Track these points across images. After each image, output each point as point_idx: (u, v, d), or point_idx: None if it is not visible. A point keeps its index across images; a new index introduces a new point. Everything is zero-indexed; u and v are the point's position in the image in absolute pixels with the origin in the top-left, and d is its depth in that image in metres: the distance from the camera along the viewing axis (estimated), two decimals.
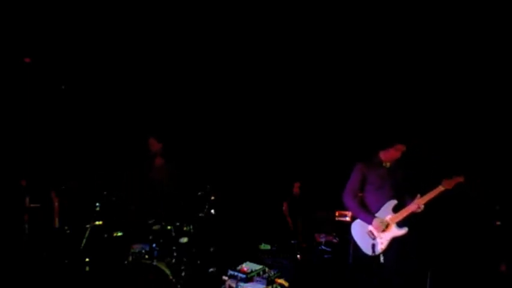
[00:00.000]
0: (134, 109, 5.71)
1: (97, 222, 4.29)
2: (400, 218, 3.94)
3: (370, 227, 3.98)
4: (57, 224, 4.76)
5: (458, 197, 3.92)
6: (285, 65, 5.76)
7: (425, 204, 3.88)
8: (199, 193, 4.68)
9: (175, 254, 4.21)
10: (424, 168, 4.45)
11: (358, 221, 4.10)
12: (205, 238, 4.67)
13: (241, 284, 3.60)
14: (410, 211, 3.91)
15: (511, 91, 4.85)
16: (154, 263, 3.95)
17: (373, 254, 3.92)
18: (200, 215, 4.58)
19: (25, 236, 4.58)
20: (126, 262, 4.07)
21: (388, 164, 4.07)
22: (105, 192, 4.38)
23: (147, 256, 4.06)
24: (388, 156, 4.05)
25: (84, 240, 4.19)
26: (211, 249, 4.73)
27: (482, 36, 4.76)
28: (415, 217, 3.96)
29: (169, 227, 4.31)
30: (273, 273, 3.73)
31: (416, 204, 3.88)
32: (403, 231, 3.92)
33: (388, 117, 5.38)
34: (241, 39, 5.47)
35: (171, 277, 3.89)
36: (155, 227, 4.25)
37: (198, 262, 4.42)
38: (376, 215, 4.00)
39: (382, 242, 3.93)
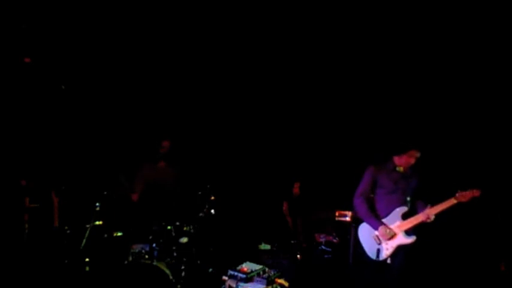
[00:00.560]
0: (134, 109, 5.71)
1: (97, 222, 4.29)
2: (408, 226, 3.85)
3: (376, 233, 3.92)
4: (57, 224, 4.76)
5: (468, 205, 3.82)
6: (285, 66, 5.77)
7: (436, 215, 3.77)
8: (199, 193, 4.69)
9: (175, 254, 4.21)
10: (439, 177, 4.37)
11: (365, 224, 4.04)
12: (205, 238, 4.67)
13: (241, 284, 3.60)
14: (419, 220, 3.82)
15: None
16: (154, 263, 3.95)
17: (377, 259, 3.88)
18: (200, 215, 4.58)
19: (25, 236, 4.58)
20: (126, 262, 4.07)
21: (401, 169, 3.98)
22: (105, 192, 4.37)
23: (147, 256, 4.06)
24: (402, 161, 3.96)
25: (84, 240, 4.19)
26: (211, 249, 4.73)
27: (498, 41, 4.71)
28: (424, 225, 3.88)
29: (169, 227, 4.31)
30: (273, 273, 3.72)
31: (427, 215, 3.77)
32: (410, 240, 3.83)
33: (404, 122, 5.30)
34: (240, 39, 5.48)
35: (171, 277, 3.89)
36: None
37: (198, 262, 4.42)
38: (385, 220, 3.93)
39: (388, 248, 3.87)
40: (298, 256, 5.24)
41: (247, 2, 4.98)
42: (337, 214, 5.35)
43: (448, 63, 5.06)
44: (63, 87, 5.03)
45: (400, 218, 3.89)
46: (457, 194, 3.73)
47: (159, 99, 5.82)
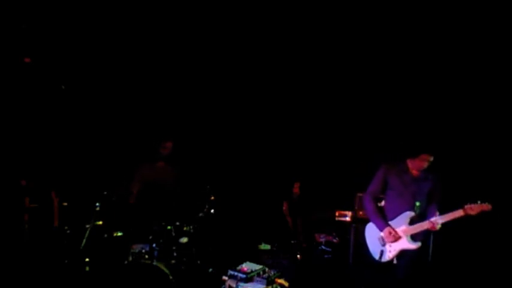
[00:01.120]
0: (134, 110, 5.70)
1: (97, 222, 4.28)
2: (413, 232, 3.81)
3: (382, 234, 3.91)
4: (57, 224, 4.76)
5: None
6: (285, 66, 5.76)
7: (443, 224, 3.72)
8: (199, 193, 4.68)
9: (175, 254, 4.21)
10: (451, 185, 4.32)
11: (372, 224, 4.03)
12: (205, 238, 4.67)
13: (241, 284, 3.60)
14: (425, 228, 3.77)
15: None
16: (154, 263, 3.95)
17: (380, 261, 3.88)
18: (200, 215, 4.58)
19: (25, 236, 4.58)
20: (126, 262, 4.07)
21: (414, 172, 3.92)
22: (105, 192, 4.37)
23: (147, 256, 4.06)
24: (415, 165, 3.89)
25: (84, 240, 4.18)
26: (211, 249, 4.73)
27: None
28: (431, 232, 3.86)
29: (169, 227, 4.31)
30: (273, 273, 3.72)
31: (432, 223, 3.72)
32: (415, 246, 3.80)
33: (417, 127, 5.24)
34: (240, 40, 5.48)
35: (171, 277, 3.88)
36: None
37: (198, 262, 4.42)
38: (391, 223, 3.90)
39: (391, 251, 3.85)
40: (298, 256, 5.24)
41: (247, 2, 4.98)
42: (337, 214, 5.35)
43: (467, 70, 4.99)
44: (63, 87, 5.03)
45: (406, 222, 3.85)
46: (465, 206, 3.65)
47: (159, 99, 5.82)
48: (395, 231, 3.83)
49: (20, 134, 4.90)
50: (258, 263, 3.83)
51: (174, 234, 4.30)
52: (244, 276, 3.62)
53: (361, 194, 4.14)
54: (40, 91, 5.02)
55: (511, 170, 4.81)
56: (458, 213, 3.66)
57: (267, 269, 3.76)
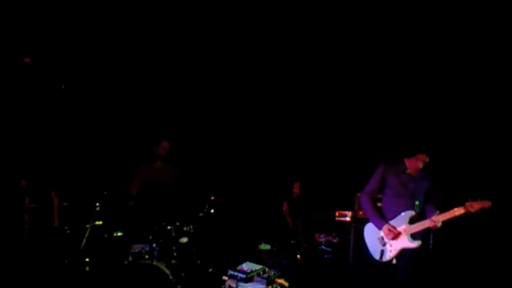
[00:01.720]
0: (134, 110, 5.70)
1: (97, 222, 4.28)
2: (414, 231, 3.80)
3: (381, 233, 3.90)
4: (57, 224, 4.76)
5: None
6: (285, 67, 5.77)
7: (444, 222, 3.71)
8: (199, 193, 4.68)
9: (175, 254, 4.21)
10: (450, 184, 4.32)
11: (371, 224, 4.02)
12: (205, 238, 4.67)
13: (241, 284, 3.60)
14: (426, 226, 3.76)
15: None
16: (154, 263, 3.95)
17: (381, 260, 3.87)
18: (200, 215, 4.58)
19: (25, 236, 4.58)
20: (126, 262, 4.07)
21: (412, 172, 3.93)
22: (105, 192, 4.37)
23: (147, 256, 4.06)
24: (412, 164, 3.90)
25: (84, 240, 4.18)
26: (211, 249, 4.73)
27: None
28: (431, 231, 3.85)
29: (169, 227, 4.31)
30: (273, 273, 3.72)
31: (434, 222, 3.71)
32: (415, 244, 3.79)
33: (412, 126, 5.26)
34: (240, 40, 5.48)
35: (171, 277, 3.88)
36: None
37: (198, 262, 4.42)
38: (391, 222, 3.89)
39: (391, 250, 3.85)
40: (298, 256, 5.24)
41: (247, 2, 4.98)
42: (337, 214, 5.35)
43: (466, 69, 5.00)
44: (63, 87, 5.03)
45: (406, 221, 3.85)
46: (466, 204, 3.64)
47: (159, 99, 5.82)
48: (395, 228, 3.83)
49: (20, 134, 4.89)
50: (258, 263, 3.83)
51: (174, 234, 4.29)
52: (244, 276, 3.62)
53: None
54: (40, 91, 5.02)
55: (509, 167, 4.82)
56: (459, 210, 3.66)
57: (267, 269, 3.76)
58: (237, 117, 6.10)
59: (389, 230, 3.82)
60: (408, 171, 3.93)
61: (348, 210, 5.17)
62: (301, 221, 5.78)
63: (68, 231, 4.54)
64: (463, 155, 5.01)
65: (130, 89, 5.66)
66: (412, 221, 3.84)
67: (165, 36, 5.40)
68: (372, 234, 4.00)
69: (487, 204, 3.61)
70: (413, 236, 3.82)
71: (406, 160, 3.95)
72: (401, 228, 3.84)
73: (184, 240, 4.29)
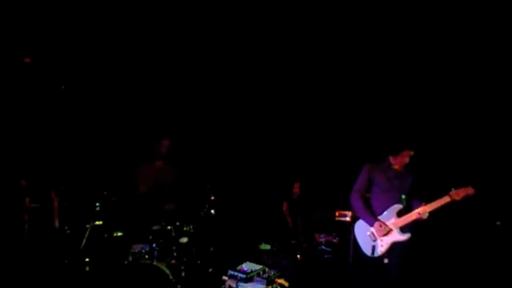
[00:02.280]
0: (134, 110, 5.70)
1: (97, 222, 4.28)
2: (403, 223, 3.90)
3: (372, 229, 3.97)
4: (57, 224, 4.76)
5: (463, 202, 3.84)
6: (285, 66, 5.77)
7: (431, 213, 3.82)
8: (199, 193, 4.68)
9: (175, 254, 4.21)
10: (434, 175, 4.41)
11: (361, 221, 4.10)
12: (205, 238, 4.67)
13: (241, 284, 3.60)
14: (414, 218, 3.87)
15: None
16: (155, 263, 3.95)
17: (372, 256, 3.92)
18: (200, 214, 4.58)
19: (25, 236, 4.57)
20: (126, 262, 4.07)
21: (397, 168, 4.05)
22: (105, 192, 4.37)
23: (147, 256, 4.06)
24: (397, 161, 4.03)
25: (84, 240, 4.18)
26: (211, 249, 4.73)
27: (496, 42, 4.73)
28: (420, 223, 3.91)
29: (169, 227, 4.31)
30: (273, 273, 3.72)
31: (421, 213, 3.83)
32: (405, 237, 3.88)
33: (395, 123, 5.36)
34: (240, 39, 5.48)
35: (171, 277, 3.88)
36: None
37: (198, 262, 4.42)
38: (380, 217, 3.98)
39: (382, 245, 3.91)
40: (298, 256, 5.23)
41: (247, 2, 4.98)
42: (337, 214, 5.35)
43: (435, 63, 5.14)
44: (63, 87, 5.03)
45: (395, 215, 3.95)
46: (451, 192, 3.79)
47: (159, 99, 5.82)
48: (385, 224, 3.92)
49: (20, 134, 4.89)
50: (258, 263, 3.84)
51: (174, 234, 4.29)
52: (244, 276, 3.62)
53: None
54: (40, 91, 5.02)
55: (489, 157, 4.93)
56: (445, 199, 3.80)
57: (267, 269, 3.76)
58: (237, 117, 6.10)
59: (380, 226, 3.91)
60: (394, 167, 4.06)
61: (348, 210, 5.17)
62: (301, 221, 5.78)
63: (68, 231, 4.54)
64: (444, 147, 5.12)
65: (130, 89, 5.66)
66: (400, 214, 3.95)
67: (165, 37, 5.39)
68: (362, 231, 4.07)
69: (470, 191, 3.77)
70: (403, 229, 3.91)
71: (391, 157, 4.07)
72: (390, 222, 3.94)
73: (184, 240, 4.30)
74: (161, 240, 4.16)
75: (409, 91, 5.40)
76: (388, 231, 3.90)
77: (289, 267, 4.80)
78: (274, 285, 3.65)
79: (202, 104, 5.99)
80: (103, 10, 4.92)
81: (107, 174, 5.06)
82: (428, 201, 3.87)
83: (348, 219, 5.19)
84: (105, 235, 4.35)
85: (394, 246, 3.90)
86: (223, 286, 3.70)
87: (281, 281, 3.69)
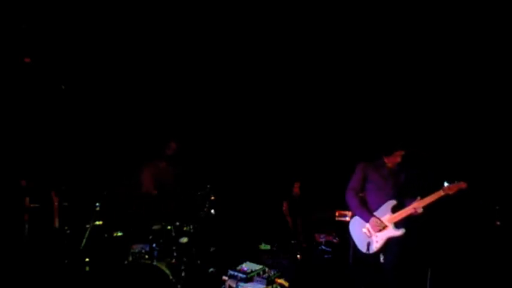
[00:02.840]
0: (134, 110, 5.70)
1: (97, 222, 4.28)
2: (397, 219, 3.96)
3: (367, 225, 4.02)
4: (57, 224, 4.76)
5: (457, 198, 3.89)
6: (285, 66, 5.77)
7: (425, 207, 3.88)
8: (199, 193, 4.69)
9: (175, 254, 4.21)
10: (427, 171, 4.45)
11: (356, 218, 4.15)
12: (205, 238, 4.67)
13: (241, 284, 3.60)
14: (408, 213, 3.93)
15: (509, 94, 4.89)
16: (155, 263, 3.95)
17: (368, 252, 3.98)
18: (200, 214, 4.58)
19: (25, 236, 4.57)
20: (126, 262, 4.07)
21: (390, 165, 4.12)
22: (105, 192, 4.37)
23: (147, 256, 4.06)
24: (390, 160, 4.10)
25: (84, 240, 4.18)
26: (211, 249, 4.73)
27: (483, 41, 4.78)
28: (414, 219, 3.96)
29: (169, 227, 4.30)
30: (273, 273, 3.73)
31: (415, 207, 3.89)
32: (399, 232, 3.93)
33: (387, 124, 5.41)
34: (239, 40, 5.48)
35: (171, 277, 3.88)
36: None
37: (198, 262, 4.42)
38: (375, 213, 4.03)
39: (378, 241, 3.96)
40: (298, 256, 5.24)
41: (248, 3, 4.98)
42: (337, 214, 5.36)
43: (426, 64, 5.19)
44: (63, 87, 5.02)
45: (390, 211, 4.00)
46: (444, 187, 3.85)
47: (158, 99, 5.82)
48: (381, 220, 3.97)
49: (20, 134, 4.89)
50: (258, 263, 3.84)
51: (174, 234, 4.29)
52: (244, 276, 3.62)
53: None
54: (40, 91, 5.02)
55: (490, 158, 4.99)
56: (438, 194, 3.85)
57: (267, 269, 3.76)
58: (238, 117, 6.10)
59: (375, 222, 3.95)
60: (387, 165, 4.12)
61: (348, 210, 5.17)
62: (301, 221, 5.79)
63: (68, 231, 4.54)
64: (439, 146, 5.15)
65: (129, 89, 5.66)
66: (394, 210, 3.99)
67: (166, 38, 5.39)
68: (357, 228, 4.12)
69: (463, 185, 3.82)
70: (397, 225, 3.95)
71: (384, 158, 4.13)
72: (385, 217, 3.99)
73: (184, 240, 4.29)
74: (161, 240, 4.16)
75: (403, 92, 5.42)
76: (384, 227, 3.95)
77: (289, 267, 4.81)
78: (274, 285, 3.65)
79: (203, 104, 5.99)
80: (104, 9, 4.92)
81: (107, 174, 5.06)
82: (422, 196, 3.93)
83: (347, 219, 5.19)
84: (105, 235, 4.35)
85: (390, 242, 3.95)
86: (223, 286, 3.70)
87: (281, 281, 3.69)
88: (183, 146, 5.23)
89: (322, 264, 5.23)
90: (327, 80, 5.82)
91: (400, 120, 5.38)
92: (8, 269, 4.32)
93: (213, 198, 4.63)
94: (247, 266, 3.74)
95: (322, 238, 5.46)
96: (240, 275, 3.65)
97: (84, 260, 4.19)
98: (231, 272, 3.71)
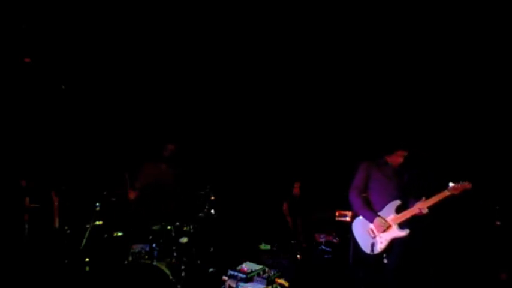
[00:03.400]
0: (134, 110, 5.70)
1: (97, 222, 4.29)
2: (402, 219, 3.91)
3: (371, 225, 3.97)
4: (57, 224, 4.76)
5: (458, 198, 3.88)
6: (285, 66, 5.77)
7: (430, 208, 3.84)
8: (200, 193, 4.69)
9: (175, 254, 4.21)
10: (428, 171, 4.44)
11: (360, 219, 4.09)
12: (205, 238, 4.67)
13: (241, 284, 3.60)
14: (413, 213, 3.88)
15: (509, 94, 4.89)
16: (155, 263, 3.95)
17: (372, 253, 3.92)
18: (200, 215, 4.58)
19: (25, 236, 4.57)
20: (126, 262, 4.07)
21: (393, 165, 4.08)
22: (105, 192, 4.37)
23: (147, 256, 4.06)
24: (393, 159, 4.06)
25: (84, 240, 4.18)
26: (211, 249, 4.73)
27: (487, 41, 4.77)
28: (418, 219, 3.92)
29: (169, 227, 4.31)
30: (273, 273, 3.72)
31: (420, 207, 3.84)
32: (404, 233, 3.88)
33: (389, 124, 5.39)
34: (240, 39, 5.48)
35: (171, 277, 3.88)
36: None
37: (198, 262, 4.42)
38: (379, 213, 3.98)
39: (382, 241, 3.91)
40: (298, 256, 5.24)
41: (247, 3, 4.98)
42: (337, 214, 5.36)
43: (428, 63, 5.19)
44: (63, 87, 5.03)
45: (394, 211, 3.96)
46: (449, 187, 3.82)
47: (158, 99, 5.82)
48: (385, 220, 3.92)
49: (20, 134, 4.89)
50: (258, 263, 3.84)
51: (174, 234, 4.30)
52: (244, 276, 3.62)
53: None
54: (40, 91, 5.02)
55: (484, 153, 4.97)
56: (444, 194, 3.83)
57: (267, 269, 3.76)
58: (238, 118, 6.10)
59: (380, 222, 3.91)
60: (390, 164, 4.09)
61: (348, 210, 5.18)
62: (301, 221, 5.78)
63: (68, 231, 4.54)
64: (440, 144, 5.13)
65: (129, 89, 5.66)
66: (398, 210, 3.95)
67: (166, 39, 5.39)
68: (360, 228, 4.07)
69: (468, 185, 3.80)
70: (401, 225, 3.91)
71: (386, 157, 4.10)
72: (390, 218, 3.94)
73: (184, 240, 4.30)
74: (161, 240, 4.16)
75: (404, 91, 5.41)
76: (388, 227, 3.91)
77: (289, 267, 4.80)
78: (274, 285, 3.65)
79: (203, 104, 5.99)
80: (104, 10, 4.92)
81: (107, 174, 5.07)
82: (427, 196, 3.89)
83: (347, 219, 5.19)
84: (105, 235, 4.35)
85: (393, 243, 3.90)
86: (223, 286, 3.70)
87: (281, 281, 3.69)
88: (183, 147, 5.24)
89: (322, 264, 5.22)
90: (326, 80, 5.82)
91: (401, 119, 5.36)
92: (8, 269, 4.32)
93: (213, 198, 4.63)
94: (247, 266, 3.73)
95: (322, 238, 5.45)
96: (240, 275, 3.64)
97: (84, 260, 4.19)
98: (231, 272, 3.71)
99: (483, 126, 5.09)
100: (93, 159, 5.37)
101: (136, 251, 4.09)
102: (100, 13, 4.94)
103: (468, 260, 4.75)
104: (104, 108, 5.53)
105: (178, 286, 3.95)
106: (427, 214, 3.86)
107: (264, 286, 3.58)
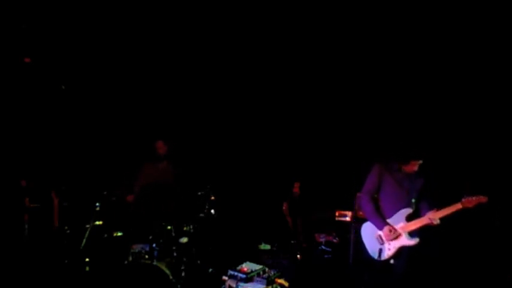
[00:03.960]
0: (134, 110, 5.71)
1: (97, 222, 4.29)
2: (412, 228, 3.81)
3: (380, 232, 3.90)
4: (57, 224, 4.76)
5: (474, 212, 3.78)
6: (285, 66, 5.77)
7: (441, 219, 3.72)
8: (199, 193, 4.69)
9: (175, 254, 4.21)
10: (443, 179, 4.35)
11: (369, 223, 4.01)
12: (205, 238, 4.67)
13: (241, 284, 3.60)
14: (424, 223, 3.78)
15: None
16: (155, 263, 3.95)
17: (379, 259, 3.86)
18: (200, 215, 4.59)
19: (25, 236, 4.58)
20: (126, 262, 4.07)
21: (406, 171, 3.93)
22: (105, 192, 4.38)
23: (147, 256, 4.06)
24: (407, 168, 3.90)
25: (84, 240, 4.19)
26: (211, 249, 4.73)
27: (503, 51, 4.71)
28: (429, 228, 3.83)
29: (169, 227, 4.31)
30: (273, 273, 3.72)
31: (431, 218, 3.73)
32: (413, 241, 3.80)
33: (402, 130, 5.29)
34: (239, 39, 5.48)
35: (171, 277, 3.89)
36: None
37: (198, 262, 4.42)
38: (389, 220, 3.90)
39: (390, 248, 3.84)
40: (298, 256, 5.23)
41: (247, 2, 4.98)
42: (337, 214, 5.34)
43: (451, 69, 5.07)
44: (63, 87, 5.03)
45: (404, 219, 3.86)
46: (463, 200, 3.68)
47: (159, 99, 5.82)
48: (395, 229, 3.84)
49: (20, 134, 4.90)
50: (258, 263, 3.83)
51: (174, 234, 4.30)
52: (244, 276, 3.62)
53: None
54: (40, 91, 5.02)
55: (503, 164, 4.86)
56: (456, 206, 3.70)
57: (267, 269, 3.75)
58: (238, 117, 6.10)
59: (389, 230, 3.83)
60: (403, 170, 3.94)
61: (348, 210, 5.17)
62: (301, 221, 5.78)
63: (68, 231, 4.54)
64: (455, 153, 5.05)
65: (129, 89, 5.66)
66: (409, 218, 3.86)
67: (166, 38, 5.40)
68: (369, 233, 4.00)
69: (483, 199, 3.65)
70: (411, 234, 3.83)
71: (402, 166, 3.94)
72: (399, 226, 3.86)
73: (184, 240, 4.30)
74: (161, 240, 4.16)
75: (412, 95, 5.34)
76: (397, 236, 3.83)
77: (289, 267, 4.80)
78: (274, 285, 3.64)
79: (203, 105, 5.99)
80: (103, 10, 4.92)
81: (107, 174, 5.07)
82: (437, 204, 3.78)
83: (348, 219, 5.18)
84: (105, 235, 4.36)
85: (402, 250, 3.83)
86: (223, 286, 3.70)
87: (281, 281, 3.69)
88: (184, 146, 5.24)
89: (322, 264, 5.22)
90: (326, 80, 5.81)
91: (412, 127, 5.23)
92: (8, 269, 4.32)
93: (213, 198, 4.63)
94: (247, 266, 3.73)
95: (322, 238, 5.45)
96: (240, 275, 3.64)
97: (84, 260, 4.19)
98: (231, 272, 3.70)
99: (482, 125, 5.05)
100: (93, 160, 5.37)
101: (136, 251, 4.09)
102: (99, 13, 4.94)
103: (466, 259, 4.74)
104: (104, 109, 5.53)
105: (178, 286, 3.95)
106: (438, 225, 3.74)
107: (264, 286, 3.58)
